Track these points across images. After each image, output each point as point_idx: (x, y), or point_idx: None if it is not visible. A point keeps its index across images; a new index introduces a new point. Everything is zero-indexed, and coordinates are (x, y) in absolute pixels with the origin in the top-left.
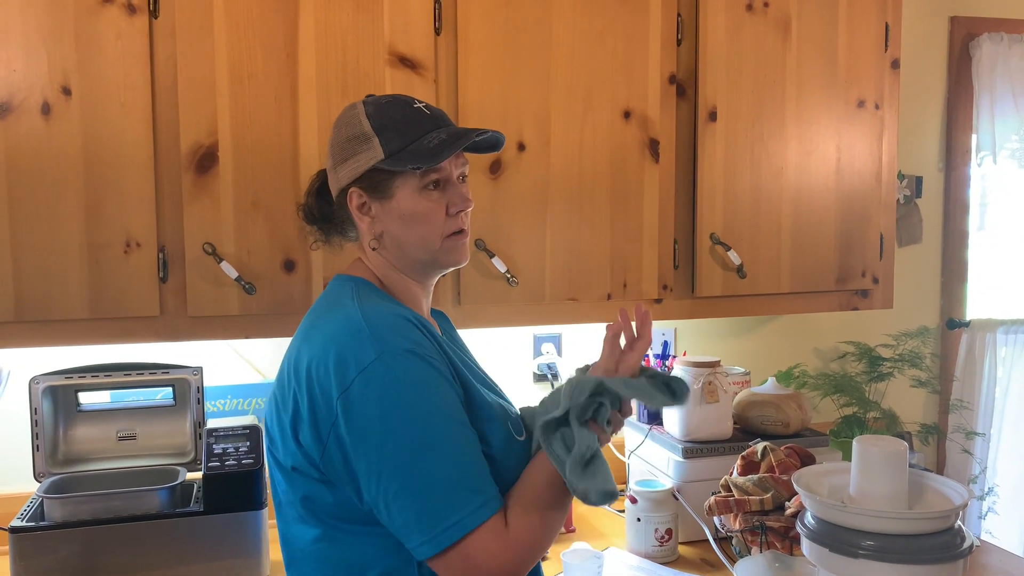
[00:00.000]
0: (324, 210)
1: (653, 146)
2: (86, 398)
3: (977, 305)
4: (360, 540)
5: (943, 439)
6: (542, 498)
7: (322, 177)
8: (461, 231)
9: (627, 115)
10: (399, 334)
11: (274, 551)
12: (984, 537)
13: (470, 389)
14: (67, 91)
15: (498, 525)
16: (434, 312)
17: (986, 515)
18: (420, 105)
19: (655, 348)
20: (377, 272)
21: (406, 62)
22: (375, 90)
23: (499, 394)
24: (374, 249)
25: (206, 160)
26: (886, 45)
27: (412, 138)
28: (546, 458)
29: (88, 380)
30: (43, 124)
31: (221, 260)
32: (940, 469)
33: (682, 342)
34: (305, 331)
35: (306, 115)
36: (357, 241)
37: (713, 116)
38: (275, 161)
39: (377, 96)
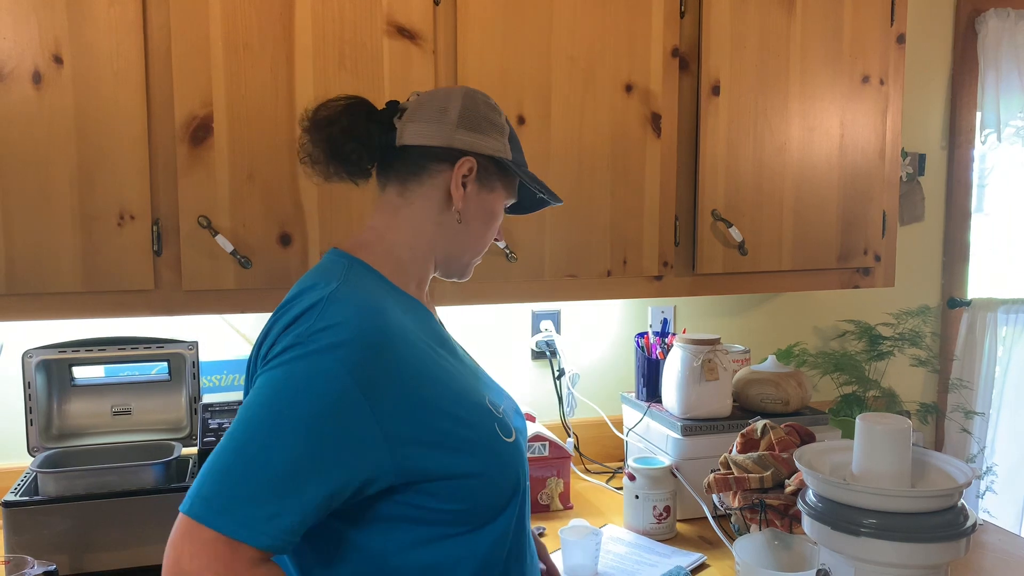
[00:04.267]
0: (378, 140)
1: (655, 120)
2: (80, 372)
3: (978, 284)
4: None
5: (942, 418)
6: None
7: (367, 106)
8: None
9: (629, 89)
10: (360, 323)
11: None
12: (983, 516)
13: (447, 384)
14: (59, 59)
15: (231, 552)
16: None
17: (984, 494)
18: None
19: (655, 326)
20: (403, 250)
21: (404, 32)
22: (373, 62)
23: (489, 386)
24: (458, 222)
25: (201, 131)
26: (892, 19)
27: (524, 161)
28: None
29: (82, 354)
30: (34, 93)
31: (216, 233)
32: (939, 448)
33: (682, 320)
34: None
35: (302, 86)
36: (387, 199)
37: (716, 90)
38: (271, 133)
39: None
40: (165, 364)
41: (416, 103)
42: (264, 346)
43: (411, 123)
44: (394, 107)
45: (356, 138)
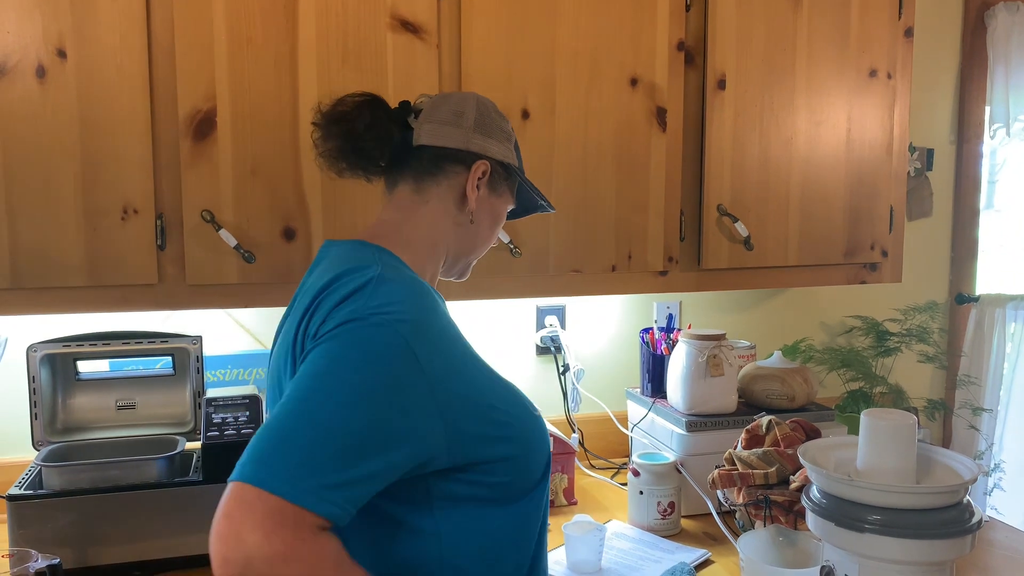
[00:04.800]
0: (398, 137)
1: (660, 115)
2: (85, 367)
3: (987, 280)
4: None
5: (950, 415)
6: None
7: (384, 104)
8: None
9: (634, 83)
10: (414, 303)
11: None
12: (990, 513)
13: (482, 368)
14: (62, 53)
15: (297, 519)
16: None
17: (992, 491)
18: None
19: (660, 321)
20: (421, 244)
21: (408, 26)
22: (376, 56)
23: None
24: (471, 222)
25: (204, 126)
26: (900, 13)
27: (522, 169)
28: None
29: (86, 348)
30: (38, 87)
31: (220, 228)
32: (946, 445)
33: (687, 315)
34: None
35: (306, 81)
36: (407, 195)
37: (722, 84)
38: (274, 127)
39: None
40: (169, 359)
41: (431, 104)
42: (312, 324)
43: (427, 123)
44: (407, 107)
45: (377, 134)
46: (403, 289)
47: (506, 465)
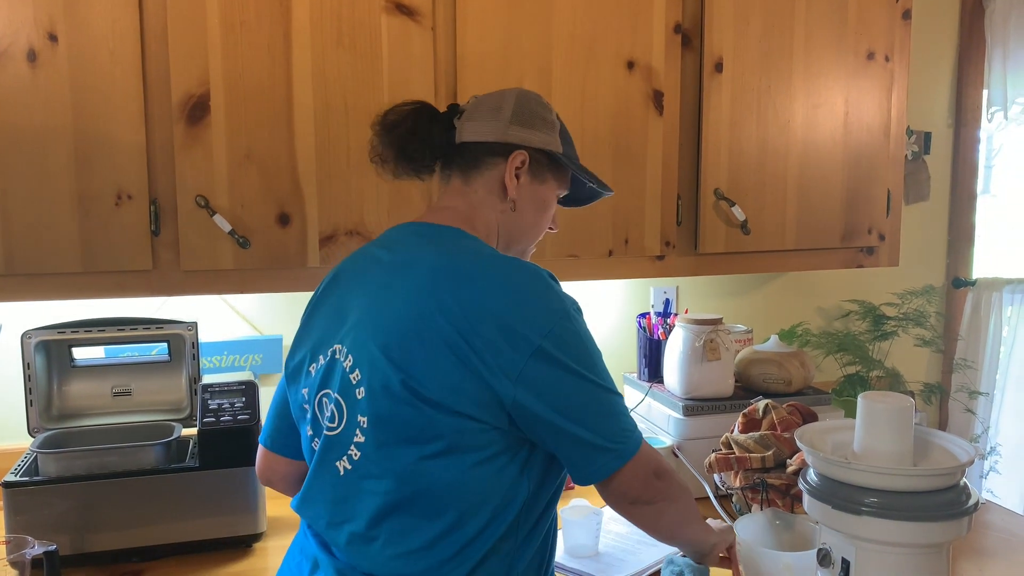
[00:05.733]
0: (440, 139)
1: (657, 98)
2: (80, 353)
3: (983, 264)
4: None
5: (946, 398)
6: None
7: (430, 110)
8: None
9: (631, 66)
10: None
11: (271, 507)
12: (986, 496)
13: None
14: (53, 37)
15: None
16: None
17: (988, 474)
18: None
19: (657, 306)
20: (482, 228)
21: (403, 9)
22: (371, 39)
23: None
24: (512, 211)
25: (198, 110)
26: None
27: (576, 155)
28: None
29: (81, 335)
30: (29, 71)
31: (214, 213)
32: (943, 428)
33: (684, 300)
34: (456, 275)
35: (300, 64)
36: (455, 187)
37: (719, 67)
38: (269, 112)
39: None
40: (165, 345)
41: (474, 104)
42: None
43: (469, 122)
44: (454, 109)
45: (420, 138)
46: None
47: None
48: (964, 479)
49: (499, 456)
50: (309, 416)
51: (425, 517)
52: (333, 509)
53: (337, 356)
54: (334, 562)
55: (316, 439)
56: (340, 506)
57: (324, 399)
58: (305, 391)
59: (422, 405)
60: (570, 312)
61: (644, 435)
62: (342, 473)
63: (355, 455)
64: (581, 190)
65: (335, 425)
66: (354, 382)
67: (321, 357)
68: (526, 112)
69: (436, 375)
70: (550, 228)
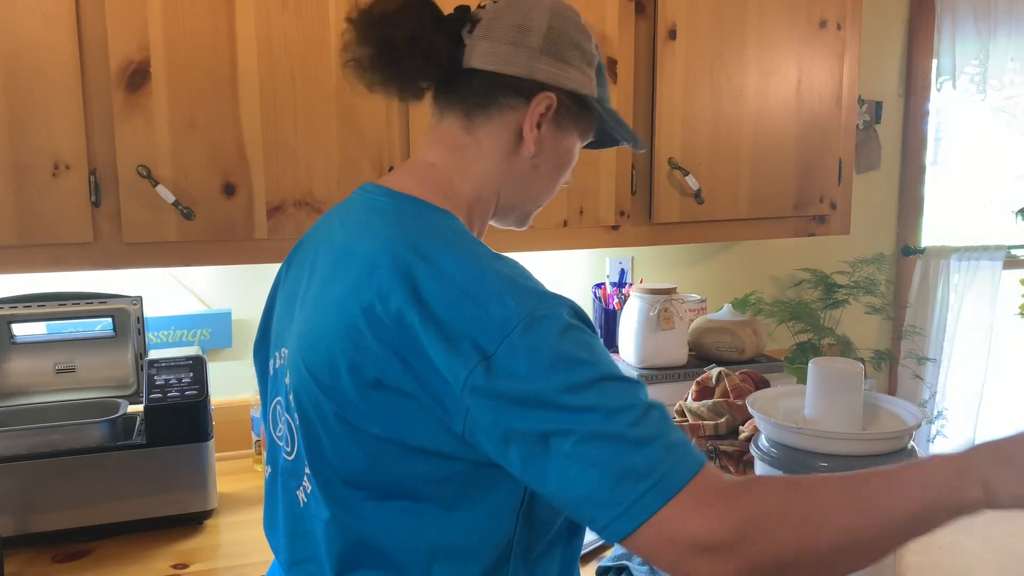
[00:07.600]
0: (442, 55)
1: (611, 66)
2: (20, 329)
3: (932, 232)
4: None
5: (895, 365)
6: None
7: (433, 9)
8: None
9: None
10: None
11: (222, 483)
12: None
13: None
14: None
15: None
16: None
17: (935, 438)
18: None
19: (612, 276)
20: (466, 198)
21: None
22: (318, 2)
23: None
24: (533, 168)
25: (137, 76)
26: None
27: (608, 97)
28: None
29: (20, 310)
30: None
31: (157, 183)
32: (892, 394)
33: (639, 270)
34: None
35: (243, 28)
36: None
37: (673, 35)
38: (212, 78)
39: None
40: (109, 320)
41: (493, 13)
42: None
43: (483, 40)
44: (464, 15)
45: (421, 49)
46: None
47: None
48: (912, 443)
49: (467, 492)
50: (270, 418)
51: (388, 571)
52: (291, 544)
53: (282, 363)
54: None
55: (277, 454)
56: (299, 542)
57: (277, 407)
58: (263, 386)
59: (363, 440)
60: (537, 319)
61: None
62: (301, 506)
63: (308, 488)
64: (599, 132)
65: (290, 451)
66: (293, 404)
67: (277, 356)
68: (561, 38)
69: (370, 407)
70: (569, 182)
